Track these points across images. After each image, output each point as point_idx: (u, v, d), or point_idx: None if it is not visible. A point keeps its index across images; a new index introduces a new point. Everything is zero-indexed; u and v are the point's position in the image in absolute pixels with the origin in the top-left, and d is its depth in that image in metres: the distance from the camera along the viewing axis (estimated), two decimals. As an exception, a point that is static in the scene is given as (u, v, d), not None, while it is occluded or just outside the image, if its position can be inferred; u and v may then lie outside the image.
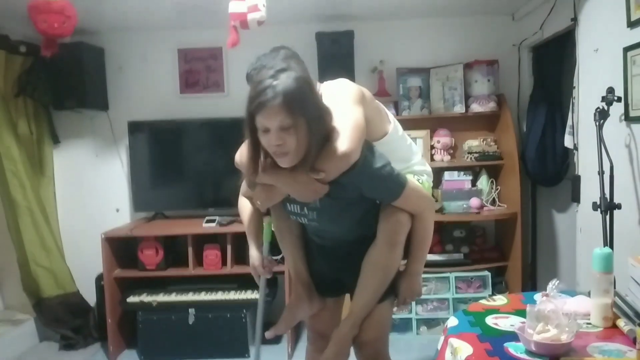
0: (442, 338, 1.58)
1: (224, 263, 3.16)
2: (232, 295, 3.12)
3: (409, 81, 3.42)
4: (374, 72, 3.47)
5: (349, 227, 1.65)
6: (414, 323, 3.30)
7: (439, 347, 1.56)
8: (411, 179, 1.65)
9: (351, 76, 3.18)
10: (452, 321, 1.60)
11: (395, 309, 1.77)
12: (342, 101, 1.52)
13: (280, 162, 1.44)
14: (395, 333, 3.31)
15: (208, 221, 3.23)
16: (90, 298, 3.45)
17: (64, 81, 3.32)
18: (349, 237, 1.69)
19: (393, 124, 1.78)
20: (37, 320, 3.42)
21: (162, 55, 3.61)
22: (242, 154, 1.65)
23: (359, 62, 3.33)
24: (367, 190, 1.55)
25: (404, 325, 3.31)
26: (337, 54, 3.21)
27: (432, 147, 3.44)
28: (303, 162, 1.43)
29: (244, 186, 1.82)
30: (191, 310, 3.08)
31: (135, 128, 3.48)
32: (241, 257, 3.21)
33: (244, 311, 3.10)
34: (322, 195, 1.49)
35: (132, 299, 3.10)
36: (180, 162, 3.56)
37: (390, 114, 1.82)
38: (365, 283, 1.64)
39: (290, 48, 1.77)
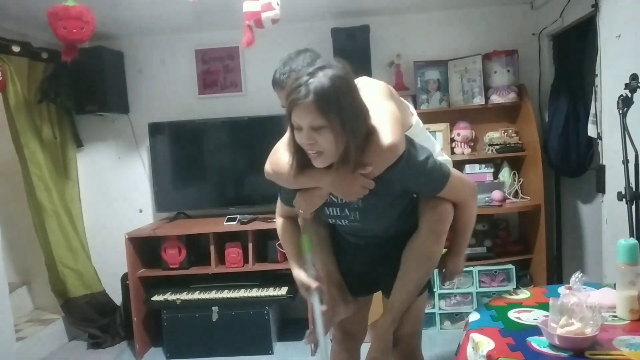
0: (463, 333, 1.56)
1: (246, 261, 3.18)
2: (255, 293, 3.14)
3: (426, 74, 3.39)
4: (391, 67, 3.45)
5: (390, 223, 1.63)
6: (437, 318, 3.28)
7: (460, 342, 1.54)
8: (454, 170, 1.59)
9: (368, 71, 3.17)
10: (474, 316, 1.59)
11: (445, 284, 1.80)
12: (375, 97, 1.50)
13: (314, 162, 1.43)
14: (418, 328, 3.29)
15: (229, 220, 3.26)
16: (116, 297, 3.52)
17: (85, 86, 3.38)
18: (387, 234, 1.67)
19: (415, 116, 1.76)
20: (65, 320, 3.50)
21: (180, 57, 3.65)
22: (273, 163, 1.60)
23: (375, 56, 3.31)
24: (413, 184, 1.51)
25: (427, 320, 3.28)
26: (353, 50, 3.19)
27: (452, 140, 3.40)
28: (344, 161, 1.41)
29: (279, 206, 1.80)
30: (214, 308, 3.11)
31: (155, 130, 3.52)
32: (262, 255, 3.23)
33: (267, 308, 3.11)
34: (368, 191, 1.46)
35: (156, 297, 3.14)
36: (200, 162, 3.59)
37: (411, 106, 1.81)
38: (407, 275, 1.61)
39: (315, 50, 1.77)
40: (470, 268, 3.24)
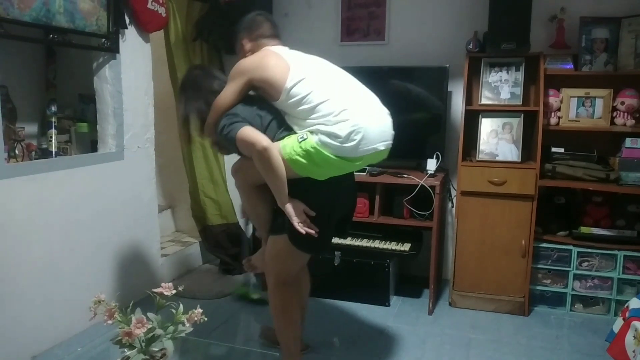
0: (619, 320, 1.43)
1: (371, 212, 3.19)
2: (377, 244, 3.16)
3: (593, 32, 3.02)
4: (552, 21, 3.11)
5: None
6: (569, 298, 3.06)
7: (614, 329, 1.41)
8: (242, 132, 1.95)
9: (526, 25, 2.90)
10: (635, 303, 1.44)
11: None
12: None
13: None
14: (545, 306, 3.11)
15: (359, 170, 3.26)
16: (248, 230, 3.76)
17: (235, 26, 3.49)
18: None
19: (286, 94, 1.96)
20: (201, 244, 3.83)
21: (326, 2, 3.63)
22: None
23: (537, 8, 2.98)
24: (229, 148, 2.11)
25: (556, 299, 3.09)
26: (511, 1, 2.93)
27: (614, 108, 3.03)
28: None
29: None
30: (337, 253, 3.19)
31: (296, 74, 3.58)
32: (388, 208, 3.22)
33: (388, 261, 3.12)
34: (221, 151, 2.34)
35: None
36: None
37: (289, 58, 2.05)
38: None
39: (261, 14, 2.29)
40: (615, 252, 2.95)
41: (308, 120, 1.95)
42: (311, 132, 1.92)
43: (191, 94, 2.18)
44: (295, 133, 2.00)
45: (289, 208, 1.96)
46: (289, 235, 2.03)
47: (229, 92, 2.08)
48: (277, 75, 1.99)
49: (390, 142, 2.05)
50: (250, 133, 1.95)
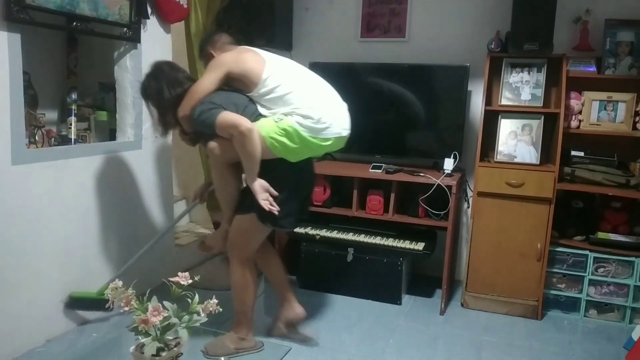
0: (638, 327, 1.40)
1: (386, 210, 3.17)
2: (390, 242, 3.14)
3: (618, 35, 2.97)
4: (577, 23, 3.06)
5: None
6: (583, 304, 3.02)
7: (634, 337, 1.39)
8: (222, 115, 2.10)
9: (550, 26, 2.86)
10: (656, 311, 1.41)
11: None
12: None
13: None
14: (558, 311, 3.08)
15: (374, 167, 3.26)
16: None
17: (255, 20, 3.51)
18: None
19: (262, 84, 2.18)
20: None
21: (347, -2, 3.63)
22: None
23: (561, 11, 2.93)
24: (205, 131, 2.18)
25: (570, 304, 3.06)
26: (535, 1, 2.89)
27: (637, 113, 2.98)
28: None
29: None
30: (350, 249, 3.19)
31: (315, 69, 3.55)
32: (403, 207, 3.20)
33: (401, 259, 3.11)
34: (188, 141, 2.39)
35: (298, 229, 3.29)
36: (353, 106, 3.58)
37: (263, 54, 2.26)
38: None
39: (217, 30, 2.62)
40: (632, 259, 2.90)
41: (280, 108, 2.18)
42: (285, 115, 2.16)
43: (158, 86, 2.25)
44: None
45: (257, 186, 2.14)
46: (257, 214, 2.20)
47: (207, 81, 2.20)
48: (255, 68, 2.20)
49: (349, 130, 2.33)
50: (232, 116, 2.11)
